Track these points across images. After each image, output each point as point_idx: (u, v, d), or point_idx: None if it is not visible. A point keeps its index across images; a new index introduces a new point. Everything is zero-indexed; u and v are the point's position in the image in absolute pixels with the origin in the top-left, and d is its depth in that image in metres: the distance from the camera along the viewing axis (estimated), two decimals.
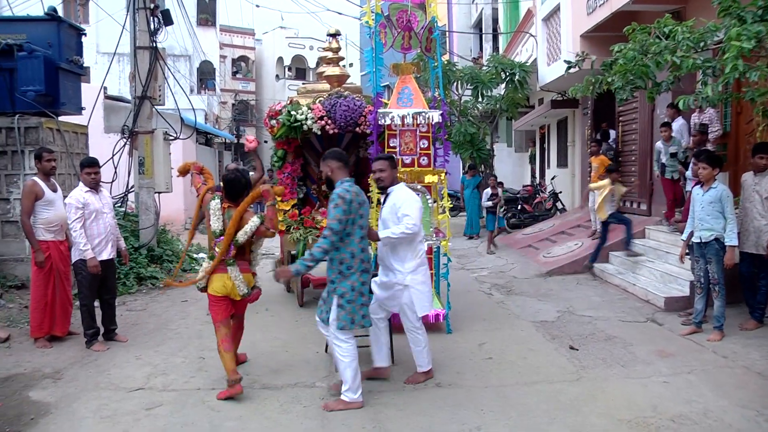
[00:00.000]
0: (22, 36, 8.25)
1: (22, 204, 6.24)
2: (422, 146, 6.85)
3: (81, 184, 6.20)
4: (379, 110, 6.70)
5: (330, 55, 8.16)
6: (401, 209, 4.87)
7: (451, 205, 7.13)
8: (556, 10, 13.45)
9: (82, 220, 5.99)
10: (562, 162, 16.68)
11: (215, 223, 5.03)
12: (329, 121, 7.28)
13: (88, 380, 5.31)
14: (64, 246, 6.43)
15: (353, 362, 4.64)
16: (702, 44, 5.88)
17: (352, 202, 4.54)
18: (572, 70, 7.31)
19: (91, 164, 6.22)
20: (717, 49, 5.90)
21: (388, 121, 6.64)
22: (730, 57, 4.81)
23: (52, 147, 8.27)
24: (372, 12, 6.75)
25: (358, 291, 4.62)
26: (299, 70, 41.15)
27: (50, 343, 6.26)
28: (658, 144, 9.45)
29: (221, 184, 5.22)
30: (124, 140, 10.35)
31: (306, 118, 7.28)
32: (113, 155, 10.14)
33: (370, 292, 4.98)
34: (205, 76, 32.00)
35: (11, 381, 5.28)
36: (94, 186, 6.20)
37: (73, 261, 6.21)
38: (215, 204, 5.09)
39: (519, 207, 15.86)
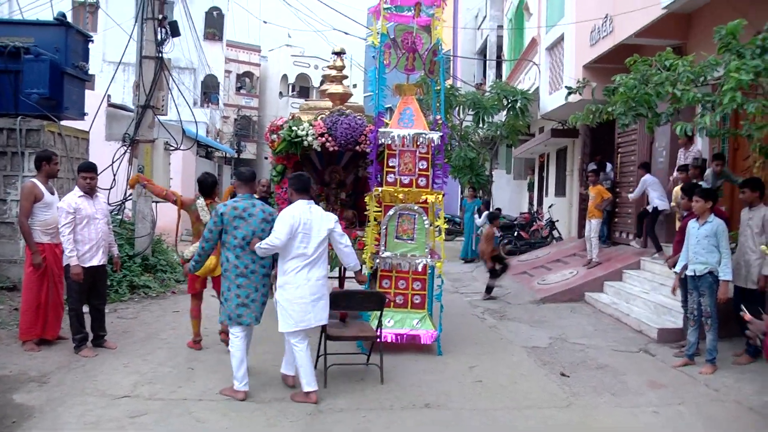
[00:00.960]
0: (30, 39, 8.31)
1: (21, 205, 6.23)
2: (421, 167, 6.87)
3: (76, 188, 6.16)
4: (379, 129, 6.74)
5: (334, 72, 8.22)
6: (274, 224, 5.14)
7: (447, 227, 7.14)
8: (560, 40, 13.60)
9: (72, 225, 5.93)
10: (560, 191, 16.73)
11: (205, 216, 6.18)
12: (330, 138, 7.30)
13: (74, 385, 5.26)
14: (59, 249, 6.40)
15: (237, 354, 5.19)
16: (702, 78, 5.96)
17: (224, 215, 5.11)
18: (573, 99, 7.40)
19: (89, 169, 6.19)
20: (716, 84, 5.98)
21: (388, 141, 6.68)
22: (729, 89, 4.87)
23: (53, 150, 8.29)
24: (378, 32, 6.82)
25: (233, 292, 5.17)
26: (303, 88, 41.40)
27: (38, 347, 6.21)
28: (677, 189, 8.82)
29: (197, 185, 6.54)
30: (125, 148, 10.37)
31: (307, 134, 7.30)
32: (113, 162, 10.16)
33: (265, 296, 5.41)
34: (209, 90, 32.16)
35: None
36: (90, 191, 6.14)
37: (64, 264, 6.18)
38: (201, 202, 6.39)
39: (516, 234, 15.88)
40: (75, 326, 6.15)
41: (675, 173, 9.16)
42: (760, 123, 5.67)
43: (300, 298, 5.09)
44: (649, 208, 10.16)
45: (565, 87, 7.75)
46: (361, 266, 5.96)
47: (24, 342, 6.23)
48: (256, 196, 5.78)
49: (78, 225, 6.00)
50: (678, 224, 7.74)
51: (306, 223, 5.09)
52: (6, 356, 5.98)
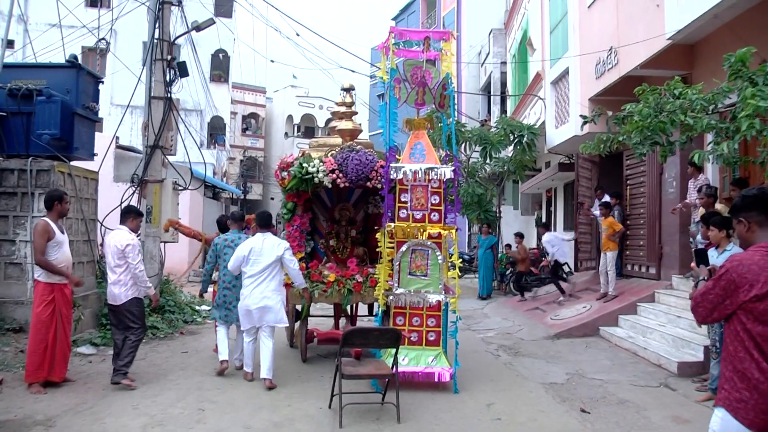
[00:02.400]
0: (43, 82, 8.39)
1: (36, 244, 6.15)
2: (433, 202, 6.82)
3: (126, 228, 6.62)
4: (391, 164, 6.71)
5: (343, 109, 8.24)
6: None
7: (461, 264, 7.05)
8: (565, 73, 13.69)
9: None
10: (569, 225, 16.63)
11: None
12: (341, 175, 7.27)
13: (82, 429, 5.12)
14: (68, 289, 6.34)
15: (222, 337, 7.19)
16: (713, 106, 5.94)
17: (217, 245, 7.44)
18: (579, 131, 7.37)
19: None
20: (726, 112, 5.95)
21: (400, 176, 6.65)
22: (745, 115, 4.83)
23: (63, 191, 8.28)
24: (387, 68, 6.85)
25: (221, 300, 7.28)
26: (308, 128, 41.75)
27: (44, 389, 6.08)
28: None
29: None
30: (134, 188, 10.38)
31: (317, 171, 7.27)
32: (121, 203, 10.14)
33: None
34: (216, 131, 32.45)
35: (1, 428, 5.10)
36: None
37: (127, 299, 6.45)
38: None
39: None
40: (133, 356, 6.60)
41: (693, 199, 8.94)
42: None
43: (246, 306, 6.61)
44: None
45: (580, 116, 7.74)
46: (305, 285, 7.09)
47: (30, 384, 6.11)
48: (244, 232, 7.82)
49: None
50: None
51: (257, 251, 6.57)
52: (11, 399, 5.84)
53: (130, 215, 6.78)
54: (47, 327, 6.10)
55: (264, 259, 6.49)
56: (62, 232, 6.35)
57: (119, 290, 6.43)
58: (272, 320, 6.60)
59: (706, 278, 3.22)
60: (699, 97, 5.67)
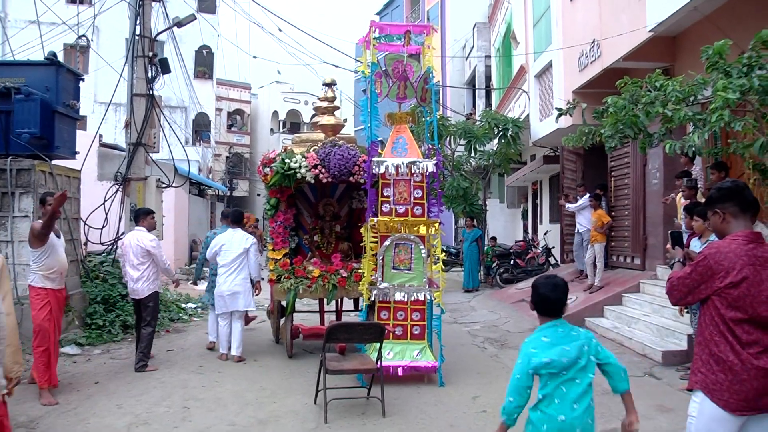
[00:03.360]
0: (21, 80, 8.26)
1: (32, 245, 5.93)
2: (416, 196, 6.82)
3: (143, 228, 7.21)
4: (373, 159, 6.70)
5: (325, 104, 8.21)
6: None
7: (445, 258, 7.07)
8: (549, 67, 13.73)
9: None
10: (555, 217, 16.71)
11: None
12: (323, 170, 7.25)
13: (66, 430, 5.10)
14: (62, 294, 6.21)
15: (212, 320, 8.23)
16: (692, 98, 5.98)
17: (209, 238, 8.31)
18: (564, 122, 7.40)
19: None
20: (707, 103, 6.00)
21: (382, 170, 6.64)
22: (716, 107, 4.88)
23: (44, 190, 8.19)
24: (368, 62, 6.84)
25: (209, 286, 8.32)
26: (294, 124, 41.61)
27: (55, 400, 5.79)
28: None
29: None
30: (117, 186, 10.30)
31: (300, 167, 7.25)
32: (105, 201, 10.08)
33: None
34: (201, 128, 32.25)
35: None
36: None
37: (149, 293, 7.10)
38: None
39: (512, 262, 15.80)
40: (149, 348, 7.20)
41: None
42: (747, 141, 5.67)
43: (220, 292, 7.61)
44: None
45: (556, 108, 7.77)
46: (260, 278, 8.03)
47: (42, 393, 5.80)
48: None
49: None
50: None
51: (226, 244, 7.63)
52: None
53: (141, 216, 7.44)
54: (47, 331, 5.90)
55: (233, 251, 7.57)
56: (58, 236, 6.16)
57: (142, 285, 7.06)
58: (242, 305, 7.62)
59: (681, 260, 3.31)
60: (675, 89, 5.70)
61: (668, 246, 3.55)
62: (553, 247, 15.71)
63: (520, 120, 15.68)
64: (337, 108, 8.26)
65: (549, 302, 2.99)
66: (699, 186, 8.55)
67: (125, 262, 7.22)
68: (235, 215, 8.07)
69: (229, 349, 7.67)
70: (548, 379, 2.90)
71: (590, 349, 2.97)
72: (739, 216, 2.86)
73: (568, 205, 11.65)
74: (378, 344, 5.61)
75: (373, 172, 6.68)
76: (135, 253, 7.05)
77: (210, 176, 31.41)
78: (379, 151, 7.06)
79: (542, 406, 2.92)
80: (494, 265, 15.83)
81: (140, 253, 7.04)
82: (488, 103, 21.56)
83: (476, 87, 22.53)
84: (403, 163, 6.58)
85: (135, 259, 7.04)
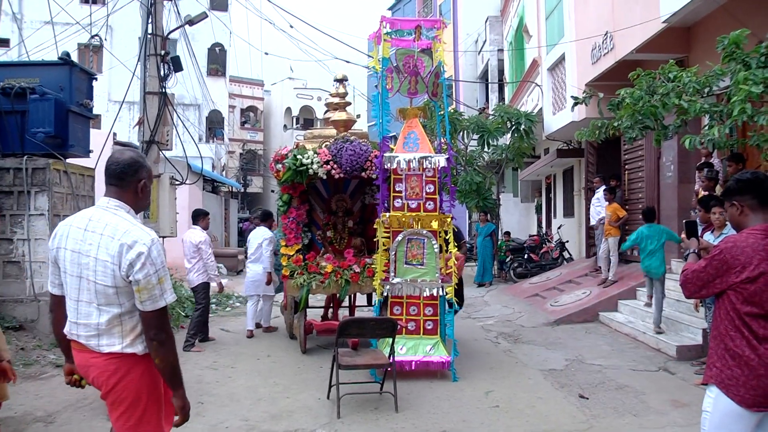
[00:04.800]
0: (36, 80, 8.35)
1: None
2: (428, 191, 6.81)
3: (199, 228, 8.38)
4: (385, 154, 6.69)
5: (337, 100, 8.21)
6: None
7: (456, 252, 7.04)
8: (561, 60, 13.62)
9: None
10: (569, 211, 16.61)
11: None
12: (335, 166, 7.26)
13: (82, 424, 5.15)
14: None
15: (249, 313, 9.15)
16: (708, 89, 5.90)
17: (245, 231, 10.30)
18: (578, 115, 7.33)
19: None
20: (721, 95, 5.92)
21: (394, 165, 6.63)
22: (738, 100, 4.80)
23: (59, 188, 8.29)
24: (379, 57, 6.82)
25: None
26: (307, 120, 41.65)
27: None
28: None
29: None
30: None
31: (312, 163, 7.26)
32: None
33: None
34: (214, 125, 32.38)
35: (1, 425, 5.12)
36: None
37: (199, 282, 8.22)
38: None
39: (526, 256, 15.74)
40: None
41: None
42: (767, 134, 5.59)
43: (246, 279, 9.13)
44: None
45: (572, 97, 7.69)
46: (269, 270, 9.02)
47: None
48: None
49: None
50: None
51: (251, 239, 9.20)
52: (11, 397, 5.84)
53: (199, 216, 8.63)
54: None
55: (252, 245, 9.09)
56: None
57: (192, 276, 8.23)
58: (261, 290, 9.04)
59: (696, 251, 3.26)
60: (692, 80, 5.63)
61: (683, 236, 3.49)
62: (567, 241, 15.62)
63: (533, 114, 15.57)
64: (349, 104, 8.26)
65: None
66: (719, 177, 8.46)
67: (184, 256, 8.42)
68: (263, 215, 9.80)
69: (256, 326, 9.21)
70: None
71: None
72: (757, 209, 2.79)
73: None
74: (390, 339, 5.61)
75: (385, 167, 6.67)
76: (187, 248, 8.24)
77: (224, 173, 31.55)
78: (391, 146, 7.04)
79: None
80: (508, 259, 15.78)
81: (192, 249, 8.20)
82: (501, 97, 21.44)
83: (489, 81, 22.42)
84: (414, 158, 6.57)
85: (188, 253, 8.25)
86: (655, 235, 8.26)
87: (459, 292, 7.14)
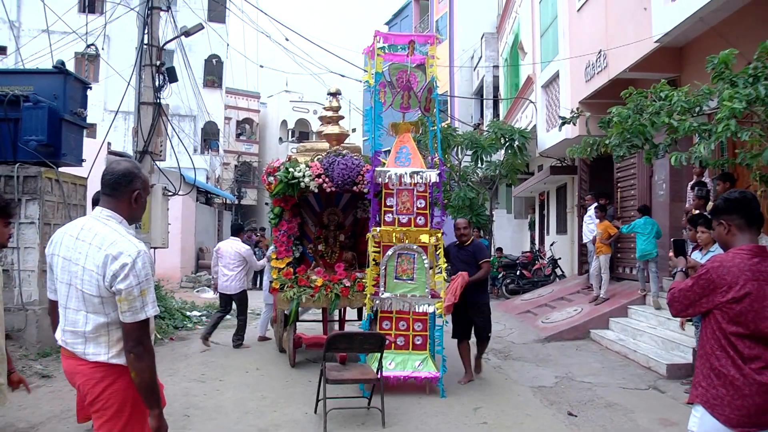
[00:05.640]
0: (30, 88, 8.34)
1: None
2: (419, 206, 6.81)
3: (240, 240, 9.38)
4: (376, 168, 6.70)
5: (330, 113, 8.23)
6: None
7: (447, 266, 7.03)
8: (555, 77, 13.72)
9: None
10: (562, 228, 16.64)
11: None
12: (327, 179, 7.26)
13: None
14: None
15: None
16: (698, 108, 5.95)
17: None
18: (570, 133, 7.38)
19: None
20: (713, 114, 5.96)
21: (386, 180, 6.64)
22: (723, 117, 4.85)
23: (50, 197, 8.26)
24: (372, 72, 6.85)
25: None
26: (302, 133, 41.69)
27: None
28: None
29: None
30: None
31: (303, 176, 7.26)
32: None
33: None
34: (209, 137, 32.39)
35: None
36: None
37: (240, 290, 9.08)
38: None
39: (518, 273, 15.75)
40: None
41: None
42: (755, 151, 5.64)
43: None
44: None
45: (559, 117, 7.75)
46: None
47: None
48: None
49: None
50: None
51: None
52: None
53: (240, 230, 10.04)
54: None
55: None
56: None
57: (233, 284, 8.97)
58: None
59: (683, 269, 3.27)
60: (681, 99, 5.68)
61: (670, 254, 3.50)
62: (560, 258, 15.64)
63: (527, 130, 15.64)
64: (342, 117, 8.27)
65: None
66: (710, 196, 8.50)
67: (220, 265, 9.06)
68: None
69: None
70: None
71: None
72: (744, 229, 2.80)
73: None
74: (379, 354, 5.58)
75: (377, 181, 6.67)
76: (231, 258, 8.95)
77: (218, 185, 31.51)
78: (382, 160, 7.05)
79: None
80: (500, 275, 15.77)
81: (236, 258, 8.94)
82: (496, 114, 21.54)
83: (484, 97, 22.52)
84: (406, 173, 6.57)
85: (231, 263, 8.94)
86: (648, 225, 9.64)
87: (482, 319, 7.06)
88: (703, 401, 2.72)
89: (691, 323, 6.62)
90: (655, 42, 8.69)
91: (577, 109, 7.57)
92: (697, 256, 6.22)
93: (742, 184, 8.59)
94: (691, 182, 8.89)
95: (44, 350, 7.54)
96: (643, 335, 8.77)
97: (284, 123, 41.61)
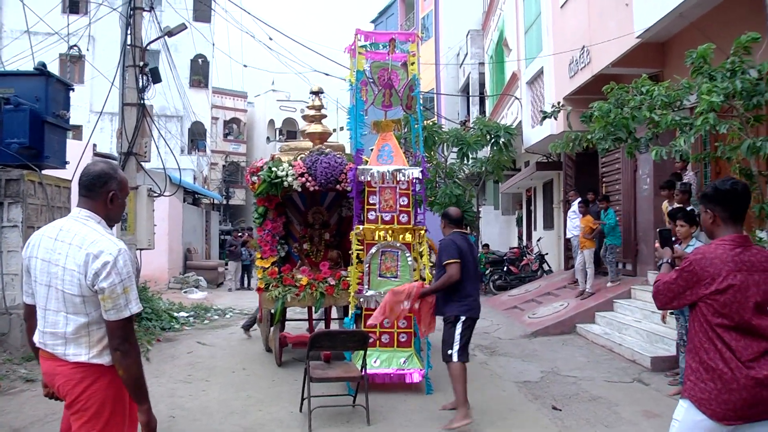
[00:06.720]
0: (11, 90, 8.27)
1: None
2: (402, 203, 6.82)
3: None
4: (358, 167, 6.71)
5: (313, 112, 8.22)
6: None
7: (432, 264, 7.04)
8: (540, 73, 13.78)
9: None
10: (548, 224, 16.73)
11: None
12: (310, 178, 7.26)
13: None
14: None
15: None
16: (679, 103, 6.01)
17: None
18: (554, 130, 7.41)
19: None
20: (693, 108, 6.02)
21: (368, 178, 6.65)
22: (702, 110, 4.90)
23: (33, 200, 8.21)
24: (353, 70, 6.86)
25: None
26: (290, 132, 41.61)
27: None
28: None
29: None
30: None
31: (287, 175, 7.26)
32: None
33: None
34: (197, 137, 32.26)
35: None
36: None
37: None
38: None
39: (505, 269, 15.81)
40: None
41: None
42: (734, 144, 5.70)
43: None
44: None
45: (541, 111, 7.80)
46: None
47: None
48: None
49: None
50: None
51: None
52: None
53: None
54: None
55: None
56: None
57: None
58: None
59: (669, 260, 3.26)
60: (661, 94, 5.73)
61: (656, 245, 3.49)
62: (547, 254, 15.71)
63: (513, 127, 15.69)
64: (325, 116, 8.27)
65: None
66: (692, 190, 8.57)
67: None
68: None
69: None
70: None
71: None
72: (728, 221, 2.79)
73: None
74: (363, 352, 5.59)
75: (359, 179, 6.68)
76: None
77: (206, 185, 31.40)
78: (365, 158, 7.07)
79: None
80: (487, 272, 15.82)
81: None
82: (482, 111, 21.59)
83: (470, 94, 22.58)
84: (388, 171, 6.59)
85: None
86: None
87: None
88: (690, 396, 2.71)
89: (672, 316, 6.67)
90: (637, 38, 8.75)
91: (558, 103, 7.61)
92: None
93: (724, 177, 8.66)
94: (662, 182, 8.98)
95: (28, 354, 7.48)
96: (628, 329, 8.84)
97: (272, 122, 41.54)
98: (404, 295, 5.63)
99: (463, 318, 5.45)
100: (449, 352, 5.48)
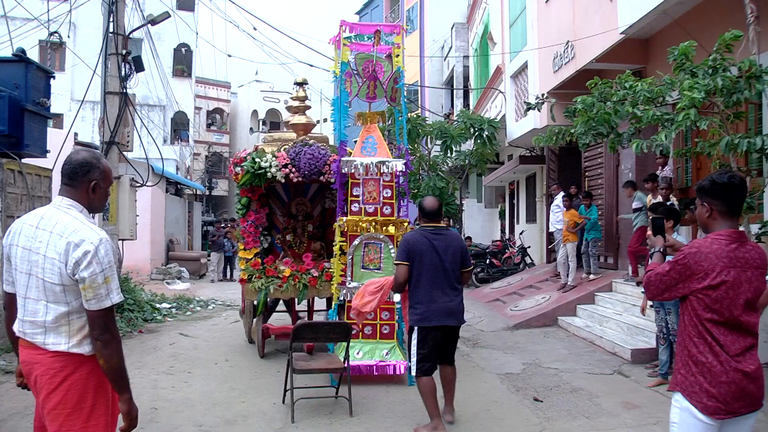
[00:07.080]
0: None
1: None
2: (385, 195, 6.82)
3: None
4: (342, 158, 6.70)
5: (297, 103, 8.18)
6: None
7: None
8: (524, 67, 13.82)
9: None
10: (531, 217, 16.83)
11: None
12: (293, 169, 7.24)
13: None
14: None
15: None
16: (661, 99, 6.07)
17: None
18: (538, 124, 7.44)
19: None
20: (675, 104, 6.09)
21: (351, 170, 6.64)
22: (683, 106, 4.95)
23: (13, 189, 8.11)
24: (338, 61, 6.83)
25: None
26: (273, 123, 41.38)
27: None
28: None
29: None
30: None
31: (270, 166, 7.22)
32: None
33: None
34: (179, 127, 31.97)
35: None
36: None
37: None
38: None
39: (488, 262, 15.89)
40: None
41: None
42: (713, 140, 5.77)
43: None
44: None
45: (525, 102, 7.83)
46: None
47: None
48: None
49: None
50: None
51: None
52: None
53: None
54: None
55: None
56: None
57: None
58: None
59: (661, 249, 3.24)
60: (644, 89, 5.78)
61: (649, 233, 3.46)
62: (529, 247, 15.81)
63: (496, 120, 15.73)
64: (309, 108, 8.24)
65: None
66: (672, 185, 8.69)
67: None
68: None
69: None
70: None
71: None
72: (725, 215, 2.75)
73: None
74: (345, 343, 5.61)
75: (342, 171, 6.67)
76: None
77: (188, 175, 31.16)
78: (348, 150, 7.05)
79: None
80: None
81: None
82: (466, 104, 21.62)
83: (454, 87, 22.60)
84: (372, 163, 6.58)
85: None
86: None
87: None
88: (682, 389, 2.72)
89: (652, 308, 6.76)
90: (621, 33, 8.81)
91: (543, 95, 7.64)
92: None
93: (705, 172, 8.78)
94: (661, 171, 9.09)
95: (7, 345, 7.41)
96: (609, 321, 8.94)
97: (255, 113, 41.28)
98: (377, 286, 5.47)
99: (416, 328, 4.93)
100: (409, 365, 5.12)
